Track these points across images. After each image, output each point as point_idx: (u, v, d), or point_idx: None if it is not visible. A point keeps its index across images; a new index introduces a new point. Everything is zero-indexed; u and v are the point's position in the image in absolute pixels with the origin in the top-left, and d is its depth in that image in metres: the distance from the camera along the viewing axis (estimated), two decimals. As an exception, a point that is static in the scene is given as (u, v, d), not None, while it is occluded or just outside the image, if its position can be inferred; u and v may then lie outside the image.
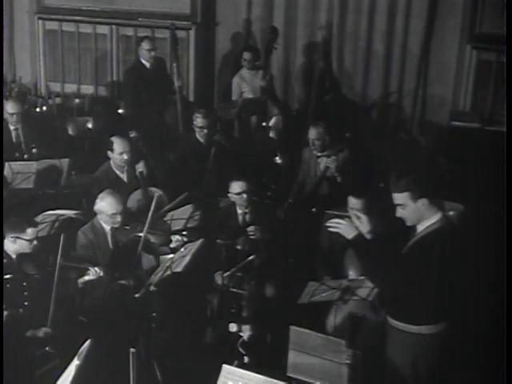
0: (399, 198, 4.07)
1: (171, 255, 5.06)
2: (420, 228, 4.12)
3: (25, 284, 4.77)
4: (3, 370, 4.15)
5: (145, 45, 7.74)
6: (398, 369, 4.28)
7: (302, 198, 6.58)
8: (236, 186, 5.66)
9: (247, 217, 5.66)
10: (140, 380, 3.96)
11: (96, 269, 4.93)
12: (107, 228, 5.38)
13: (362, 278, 4.69)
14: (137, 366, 3.71)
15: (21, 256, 4.83)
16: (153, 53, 7.77)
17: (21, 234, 4.83)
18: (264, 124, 7.71)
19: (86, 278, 4.95)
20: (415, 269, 4.00)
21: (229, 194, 5.72)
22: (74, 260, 5.02)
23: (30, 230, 4.85)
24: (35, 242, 4.87)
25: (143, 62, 7.79)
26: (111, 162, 6.23)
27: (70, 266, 4.89)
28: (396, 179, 4.08)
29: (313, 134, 6.48)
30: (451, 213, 5.62)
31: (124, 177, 6.25)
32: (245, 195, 5.63)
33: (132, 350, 3.68)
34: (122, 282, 5.09)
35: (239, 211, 5.72)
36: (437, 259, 4.00)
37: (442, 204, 4.25)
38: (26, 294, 4.77)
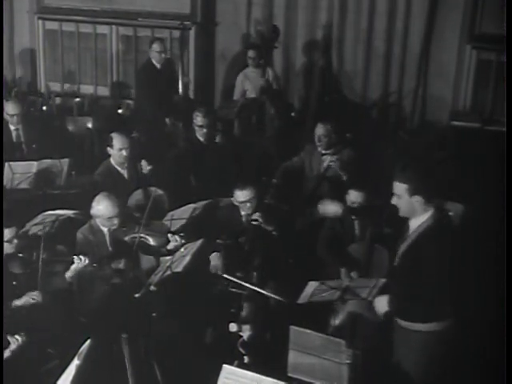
0: (398, 187, 4.15)
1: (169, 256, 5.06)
2: (413, 225, 4.17)
3: (15, 283, 4.78)
4: (3, 369, 4.16)
5: (156, 47, 7.87)
6: (398, 368, 4.30)
7: (302, 197, 6.58)
8: (240, 195, 5.61)
9: (249, 218, 5.65)
10: (140, 380, 3.97)
11: (81, 257, 4.90)
12: (105, 230, 5.38)
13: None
14: (136, 365, 3.71)
15: (5, 256, 4.83)
16: (163, 55, 7.88)
17: None
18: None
19: (73, 267, 4.91)
20: (414, 269, 4.02)
21: (232, 199, 5.71)
22: (59, 254, 5.02)
23: (6, 231, 4.83)
24: (16, 241, 4.86)
25: (154, 62, 7.87)
26: (111, 159, 6.24)
27: (55, 260, 4.89)
28: (400, 169, 4.15)
29: (320, 130, 6.47)
30: (451, 213, 5.63)
31: (124, 173, 6.26)
32: (248, 204, 5.61)
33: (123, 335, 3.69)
34: (116, 281, 5.09)
35: (242, 213, 5.70)
36: (434, 257, 4.02)
37: (439, 203, 4.26)
38: (17, 292, 4.78)
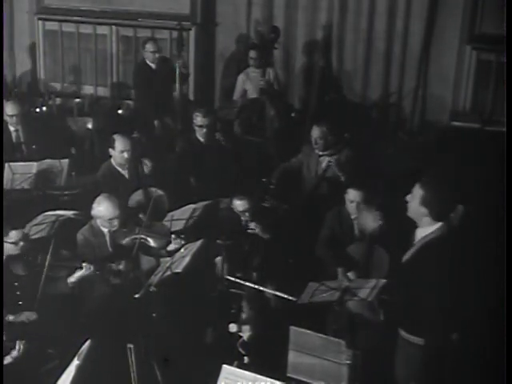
0: (416, 189, 4.12)
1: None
2: (419, 235, 4.15)
3: (16, 284, 4.78)
4: (4, 370, 4.17)
5: (149, 47, 7.86)
6: (398, 369, 4.30)
7: (302, 197, 6.58)
8: (238, 205, 5.62)
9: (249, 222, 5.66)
10: (140, 380, 3.96)
11: (85, 264, 4.89)
12: (105, 230, 5.38)
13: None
14: (137, 366, 3.71)
15: (9, 257, 4.84)
16: (157, 54, 7.87)
17: (4, 237, 4.81)
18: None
19: (77, 274, 4.91)
20: (416, 279, 4.04)
21: (231, 206, 5.71)
22: (64, 259, 5.02)
23: (13, 233, 4.84)
24: (22, 243, 4.87)
25: (148, 62, 7.86)
26: (112, 160, 6.24)
27: (60, 265, 4.89)
28: (426, 179, 4.13)
29: (316, 132, 6.47)
30: (451, 214, 5.62)
31: (125, 173, 6.25)
32: (247, 213, 5.61)
33: (129, 345, 3.69)
34: (116, 281, 5.09)
35: (242, 218, 5.69)
36: (437, 268, 4.02)
37: (445, 216, 4.23)
38: (18, 293, 4.79)
